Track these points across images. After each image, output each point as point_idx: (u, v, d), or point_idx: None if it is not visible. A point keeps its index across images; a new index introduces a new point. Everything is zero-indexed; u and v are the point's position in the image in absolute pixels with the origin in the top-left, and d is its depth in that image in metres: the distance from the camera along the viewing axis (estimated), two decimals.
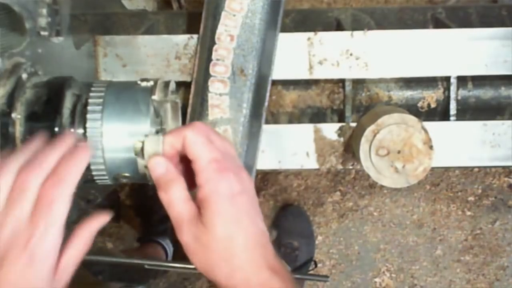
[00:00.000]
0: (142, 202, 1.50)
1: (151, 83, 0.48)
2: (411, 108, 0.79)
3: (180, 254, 0.70)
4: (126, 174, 0.49)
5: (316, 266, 1.48)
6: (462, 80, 0.77)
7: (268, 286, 0.42)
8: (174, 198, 0.44)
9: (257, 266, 0.43)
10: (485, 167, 1.48)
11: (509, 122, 0.75)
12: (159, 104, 0.48)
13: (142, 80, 0.49)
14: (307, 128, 0.75)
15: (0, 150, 0.46)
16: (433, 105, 0.78)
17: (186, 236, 0.43)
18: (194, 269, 0.43)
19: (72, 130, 0.48)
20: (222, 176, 0.43)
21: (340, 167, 0.75)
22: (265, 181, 1.58)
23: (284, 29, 0.74)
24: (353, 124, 0.75)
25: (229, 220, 0.43)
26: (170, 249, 1.36)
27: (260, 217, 0.45)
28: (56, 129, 0.47)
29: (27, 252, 0.38)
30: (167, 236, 1.37)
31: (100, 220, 0.45)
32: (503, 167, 1.44)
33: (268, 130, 0.74)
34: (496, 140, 0.75)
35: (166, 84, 0.48)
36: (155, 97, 0.47)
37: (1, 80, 0.49)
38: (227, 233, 0.42)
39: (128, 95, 0.47)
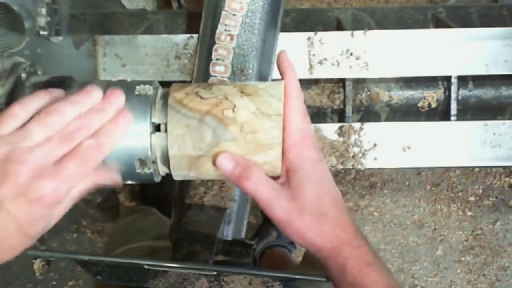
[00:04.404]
0: (149, 193, 1.50)
1: (151, 92, 0.47)
2: (412, 108, 0.79)
3: (179, 255, 0.70)
4: (129, 182, 0.49)
5: None
6: (463, 80, 0.77)
7: (355, 242, 0.46)
8: (258, 182, 0.45)
9: (343, 224, 0.46)
10: (485, 167, 1.47)
11: (510, 122, 0.75)
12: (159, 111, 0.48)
13: (141, 85, 0.48)
14: None
15: None
16: (433, 105, 0.77)
17: (278, 210, 0.45)
18: (194, 269, 0.43)
19: None
20: (306, 144, 0.47)
21: (340, 167, 0.75)
22: None
23: (284, 29, 0.74)
24: (354, 124, 0.75)
25: (315, 183, 0.46)
26: None
27: (334, 182, 0.49)
28: None
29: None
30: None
31: (110, 177, 0.47)
32: (504, 167, 1.43)
33: None
34: (497, 140, 0.75)
35: (165, 95, 0.47)
36: (154, 108, 0.47)
37: (1, 80, 0.49)
38: (315, 194, 0.46)
39: (126, 104, 0.46)
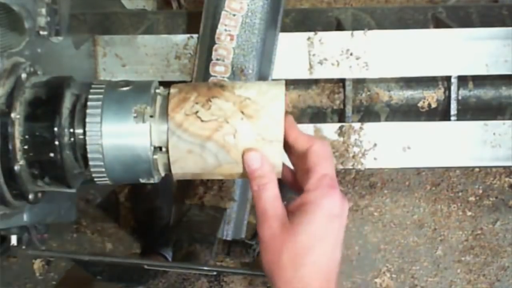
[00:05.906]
0: (142, 206, 1.49)
1: (148, 110, 0.47)
2: (412, 108, 0.79)
3: (179, 255, 0.70)
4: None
5: None
6: (463, 80, 0.77)
7: None
8: (266, 194, 0.45)
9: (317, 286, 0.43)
10: (485, 167, 1.47)
11: (509, 122, 0.75)
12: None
13: (138, 105, 0.48)
14: (307, 128, 0.75)
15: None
16: (433, 105, 0.78)
17: (266, 231, 0.44)
18: (194, 269, 0.43)
19: (71, 130, 0.48)
20: (330, 194, 0.45)
21: (340, 167, 0.75)
22: None
23: (284, 29, 0.74)
24: (354, 124, 0.75)
25: (317, 234, 0.44)
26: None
27: (341, 245, 0.46)
28: (55, 129, 0.47)
29: None
30: (169, 247, 1.36)
31: None
32: (504, 167, 1.43)
33: None
34: (496, 140, 0.75)
35: (164, 113, 0.48)
36: (153, 129, 0.47)
37: (1, 80, 0.49)
38: (308, 244, 0.43)
39: (125, 128, 0.47)
